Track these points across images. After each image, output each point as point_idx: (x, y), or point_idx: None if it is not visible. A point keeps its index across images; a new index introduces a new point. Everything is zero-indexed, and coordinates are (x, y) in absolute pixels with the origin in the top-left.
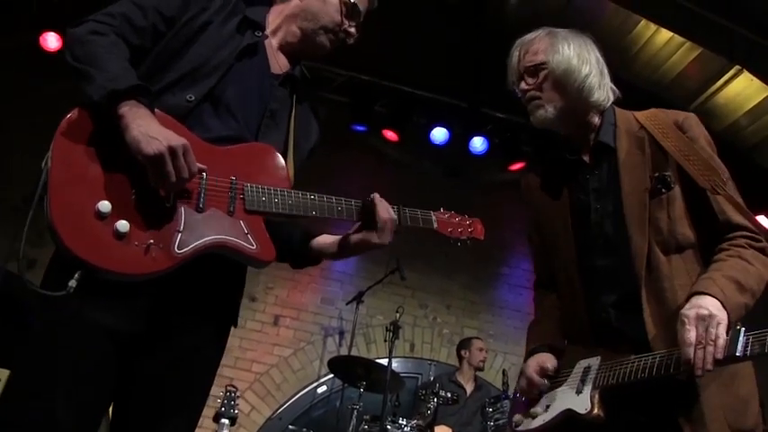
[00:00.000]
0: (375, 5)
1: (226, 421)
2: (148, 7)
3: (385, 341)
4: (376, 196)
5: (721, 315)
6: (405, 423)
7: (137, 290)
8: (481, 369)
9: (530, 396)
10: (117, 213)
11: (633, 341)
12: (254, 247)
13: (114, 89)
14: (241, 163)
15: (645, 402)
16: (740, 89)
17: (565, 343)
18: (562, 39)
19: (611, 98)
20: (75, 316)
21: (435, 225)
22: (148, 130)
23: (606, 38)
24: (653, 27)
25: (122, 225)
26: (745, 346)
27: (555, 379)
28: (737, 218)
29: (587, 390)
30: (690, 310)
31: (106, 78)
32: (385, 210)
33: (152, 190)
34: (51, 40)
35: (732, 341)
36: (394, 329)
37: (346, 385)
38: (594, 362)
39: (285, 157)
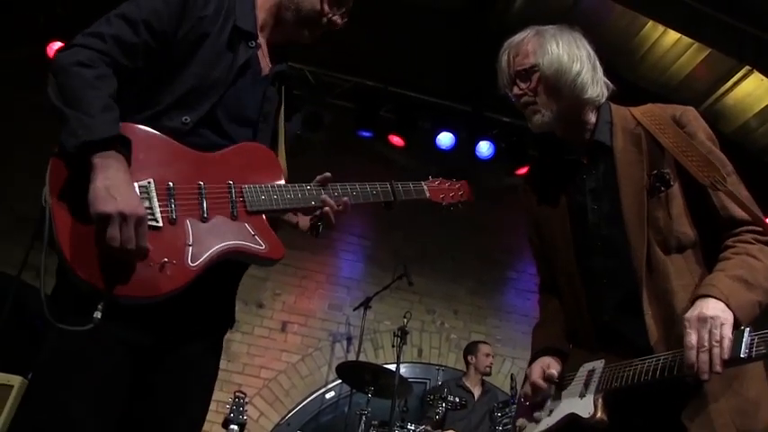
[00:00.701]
0: None
1: (235, 427)
2: (138, 22)
3: (393, 347)
4: (326, 199)
5: (725, 316)
6: (413, 428)
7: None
8: (488, 374)
9: (534, 401)
10: None
11: (636, 344)
12: (263, 247)
13: (87, 140)
14: (235, 166)
15: (649, 406)
16: (750, 90)
17: (569, 346)
18: (550, 37)
19: (606, 93)
20: (91, 329)
21: (428, 194)
22: (111, 186)
23: (613, 40)
24: (660, 28)
25: None
26: (750, 347)
27: (559, 383)
28: (740, 213)
29: (591, 394)
30: (691, 314)
31: (82, 125)
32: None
33: (156, 210)
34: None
35: (736, 342)
36: (402, 335)
37: (354, 391)
38: (598, 365)
39: (276, 150)
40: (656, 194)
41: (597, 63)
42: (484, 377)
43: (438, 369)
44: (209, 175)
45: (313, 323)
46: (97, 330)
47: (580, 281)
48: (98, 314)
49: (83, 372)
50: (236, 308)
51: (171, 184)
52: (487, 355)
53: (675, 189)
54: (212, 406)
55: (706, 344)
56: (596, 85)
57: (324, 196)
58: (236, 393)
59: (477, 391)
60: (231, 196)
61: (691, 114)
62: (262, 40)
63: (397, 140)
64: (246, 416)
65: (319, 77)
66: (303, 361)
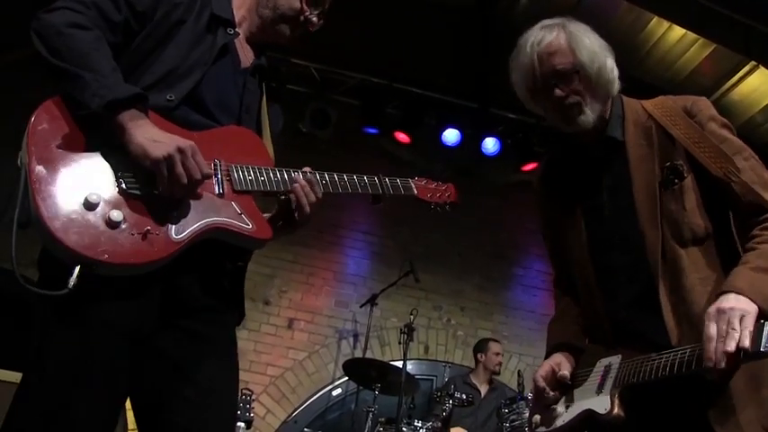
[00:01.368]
0: None
1: (241, 425)
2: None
3: (399, 343)
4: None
5: (745, 307)
6: (420, 425)
7: (146, 288)
8: (497, 373)
9: (543, 402)
10: (107, 203)
11: (653, 339)
12: (250, 227)
13: (114, 99)
14: (223, 146)
15: (668, 402)
16: (756, 85)
17: (585, 341)
18: (582, 34)
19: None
20: (86, 317)
21: (415, 191)
22: (153, 135)
23: (618, 36)
24: (665, 24)
25: (115, 214)
26: None
27: (575, 378)
28: (762, 199)
29: (607, 389)
30: (710, 308)
31: (102, 85)
32: (303, 200)
33: (141, 178)
34: None
35: (757, 336)
36: (408, 332)
37: (361, 388)
38: (615, 361)
39: None
40: (669, 187)
41: None
42: (493, 375)
43: (445, 366)
44: None
45: (320, 320)
46: (92, 318)
47: (595, 277)
48: (73, 279)
49: (80, 366)
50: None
51: None
52: (497, 354)
53: (689, 181)
54: None
55: (725, 335)
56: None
57: (295, 175)
58: (243, 391)
59: (484, 389)
60: (218, 174)
61: (702, 104)
62: (240, 34)
63: (402, 137)
64: (253, 413)
65: (325, 74)
66: (310, 358)
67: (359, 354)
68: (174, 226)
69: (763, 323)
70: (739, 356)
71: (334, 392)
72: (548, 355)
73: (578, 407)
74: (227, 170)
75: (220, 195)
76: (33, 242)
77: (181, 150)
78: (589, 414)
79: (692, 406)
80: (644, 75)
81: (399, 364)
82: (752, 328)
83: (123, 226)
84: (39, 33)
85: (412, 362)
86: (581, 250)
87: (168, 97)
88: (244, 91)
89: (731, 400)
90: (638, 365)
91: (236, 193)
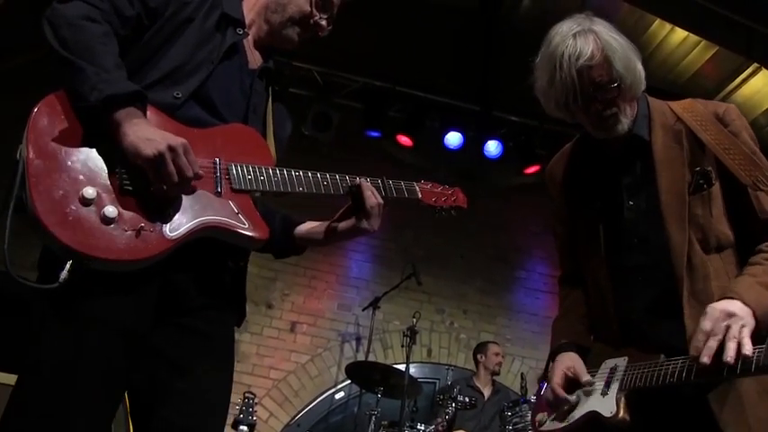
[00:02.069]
0: None
1: (244, 428)
2: None
3: (402, 346)
4: (362, 181)
5: (748, 319)
6: (423, 428)
7: (142, 286)
8: (497, 373)
9: (558, 409)
10: (103, 199)
11: (668, 342)
12: (247, 226)
13: (112, 94)
14: (224, 144)
15: (675, 406)
16: (759, 87)
17: (591, 340)
18: (613, 40)
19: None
20: (80, 314)
21: (419, 195)
22: (146, 133)
23: None
24: (668, 26)
25: (110, 210)
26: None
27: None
28: None
29: (613, 392)
30: (715, 305)
31: (102, 79)
32: (372, 195)
33: (136, 175)
34: None
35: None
36: (411, 335)
37: (364, 391)
38: (621, 362)
39: None
40: (698, 192)
41: None
42: (494, 377)
43: (447, 369)
44: (196, 150)
45: (322, 323)
46: (88, 317)
47: (609, 277)
48: (65, 274)
49: (74, 363)
50: (246, 308)
51: None
52: (497, 354)
53: (716, 188)
54: None
55: (720, 334)
56: None
57: (363, 180)
58: (246, 394)
59: (487, 391)
60: (216, 172)
61: (734, 113)
62: (249, 36)
63: (405, 140)
64: (256, 416)
65: (327, 77)
66: (312, 361)
67: (361, 357)
68: (168, 223)
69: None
70: (736, 365)
71: (337, 396)
72: (552, 354)
73: (583, 408)
74: (227, 168)
75: (218, 194)
76: (33, 246)
77: (172, 149)
78: (594, 416)
79: (697, 408)
80: (646, 78)
81: (402, 367)
82: (749, 341)
83: (117, 222)
84: (50, 22)
85: (415, 365)
86: (596, 249)
87: (175, 94)
88: (251, 92)
89: (741, 401)
90: (644, 369)
91: (235, 191)
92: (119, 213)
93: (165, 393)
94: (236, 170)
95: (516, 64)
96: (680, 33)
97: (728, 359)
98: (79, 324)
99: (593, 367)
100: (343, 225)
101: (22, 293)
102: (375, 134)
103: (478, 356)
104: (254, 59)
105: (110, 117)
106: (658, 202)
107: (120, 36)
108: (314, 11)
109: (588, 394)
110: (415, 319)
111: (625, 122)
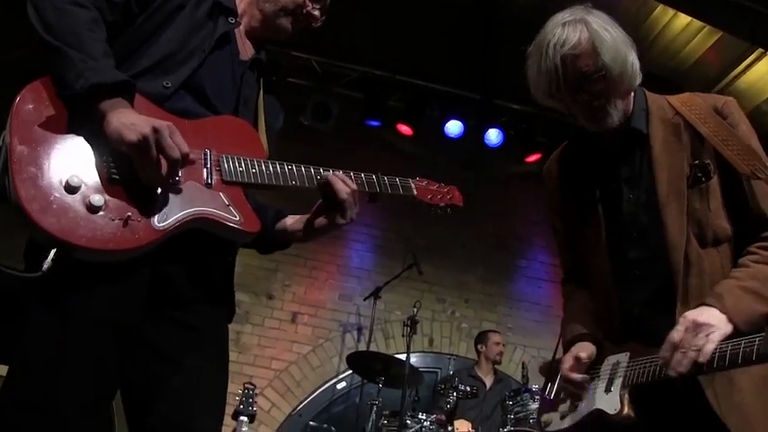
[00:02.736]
0: None
1: (245, 418)
2: None
3: (403, 336)
4: (328, 175)
5: (722, 327)
6: (424, 418)
7: (131, 277)
8: (498, 363)
9: (575, 394)
10: (89, 187)
11: (663, 340)
12: (238, 219)
13: (99, 83)
14: (215, 135)
15: (678, 401)
16: (763, 73)
17: (602, 335)
18: (602, 29)
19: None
20: (66, 305)
21: (415, 192)
22: (130, 119)
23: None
24: (670, 12)
25: (96, 199)
26: None
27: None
28: None
29: (616, 388)
30: (689, 314)
31: (89, 67)
32: (342, 188)
33: (124, 163)
34: None
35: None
36: (411, 324)
37: (365, 381)
38: (623, 358)
39: None
40: (697, 185)
41: None
42: (495, 366)
43: (449, 358)
44: (186, 142)
45: (323, 314)
46: (77, 311)
47: (610, 271)
48: (48, 263)
49: (61, 355)
50: (246, 300)
51: None
52: (497, 343)
53: (715, 181)
54: None
55: (686, 345)
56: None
57: (330, 174)
58: (246, 385)
59: (489, 381)
60: (207, 164)
61: (732, 106)
62: (240, 26)
63: (405, 129)
64: (257, 407)
65: (326, 67)
66: (314, 352)
67: (363, 347)
68: (157, 214)
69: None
70: (699, 369)
71: (339, 386)
72: (567, 345)
73: (587, 406)
74: (218, 160)
75: (209, 185)
76: (23, 236)
77: (156, 130)
78: (599, 414)
79: (699, 402)
80: (648, 65)
81: (404, 356)
82: (714, 346)
83: (104, 211)
84: (36, 6)
85: (416, 354)
86: (598, 242)
87: (165, 84)
88: (242, 83)
89: (742, 394)
90: (646, 364)
91: (226, 183)
92: (105, 202)
93: (159, 388)
94: (228, 162)
95: (516, 52)
96: (682, 19)
97: (681, 369)
98: (65, 316)
99: (596, 364)
100: (318, 221)
101: (8, 284)
102: (375, 123)
103: (479, 346)
104: (246, 50)
105: (95, 106)
106: (656, 196)
107: (109, 22)
108: (306, 1)
109: (592, 391)
110: (415, 309)
111: (615, 115)
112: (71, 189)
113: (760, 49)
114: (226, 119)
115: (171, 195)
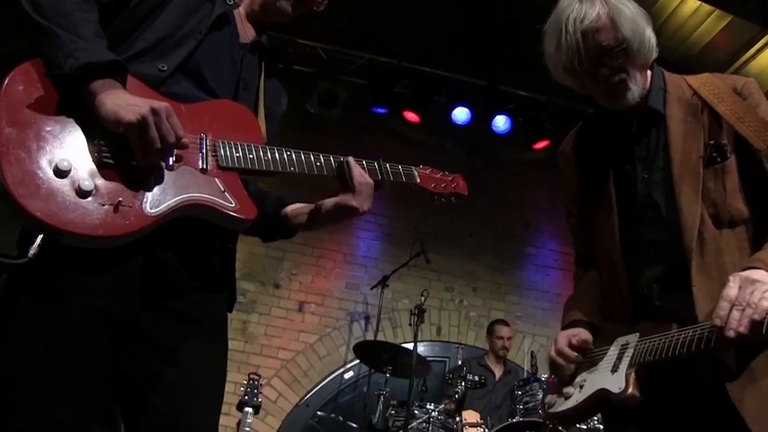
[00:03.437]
0: None
1: (249, 410)
2: None
3: (410, 325)
4: (350, 159)
5: None
6: (432, 407)
7: (123, 266)
8: (502, 357)
9: (563, 373)
10: (79, 171)
11: (678, 318)
12: (233, 205)
13: (89, 63)
14: (211, 120)
15: (687, 381)
16: None
17: (601, 320)
18: (621, 3)
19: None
20: (57, 297)
21: (418, 180)
22: (126, 100)
23: None
24: None
25: (86, 183)
26: None
27: (591, 357)
28: None
29: (623, 368)
30: (740, 273)
31: (79, 47)
32: (360, 173)
33: (116, 147)
34: None
35: None
36: (419, 313)
37: (373, 371)
38: (632, 339)
39: None
40: (712, 165)
41: None
42: (498, 357)
43: (457, 347)
44: (182, 126)
45: (330, 303)
46: (70, 304)
47: (622, 252)
48: (34, 249)
49: (50, 346)
50: (253, 289)
51: None
52: (500, 337)
53: (732, 162)
54: (228, 387)
55: (744, 302)
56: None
57: (349, 159)
58: (251, 375)
59: (498, 371)
60: (203, 149)
61: (753, 86)
62: (241, 9)
63: (412, 116)
64: (261, 398)
65: (332, 54)
66: (321, 341)
67: (370, 336)
68: (149, 199)
69: None
70: (760, 329)
71: (346, 375)
72: (563, 329)
73: (592, 386)
74: (214, 145)
75: (204, 171)
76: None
77: (155, 111)
78: (604, 394)
79: (709, 382)
80: (657, 50)
81: (411, 346)
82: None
83: (94, 196)
84: None
85: (424, 344)
86: (610, 224)
87: (161, 67)
88: (242, 66)
89: (752, 375)
90: (654, 341)
91: (222, 169)
92: (96, 186)
93: (155, 380)
94: (224, 147)
95: (524, 38)
96: (692, 3)
97: (741, 329)
98: (55, 306)
99: (605, 345)
100: (330, 203)
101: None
102: (382, 111)
103: (488, 337)
104: (246, 33)
105: (86, 87)
106: (671, 175)
107: (102, 3)
108: None
109: (598, 371)
110: (423, 298)
111: (635, 90)
112: (60, 173)
113: None
114: (223, 103)
115: (164, 180)
